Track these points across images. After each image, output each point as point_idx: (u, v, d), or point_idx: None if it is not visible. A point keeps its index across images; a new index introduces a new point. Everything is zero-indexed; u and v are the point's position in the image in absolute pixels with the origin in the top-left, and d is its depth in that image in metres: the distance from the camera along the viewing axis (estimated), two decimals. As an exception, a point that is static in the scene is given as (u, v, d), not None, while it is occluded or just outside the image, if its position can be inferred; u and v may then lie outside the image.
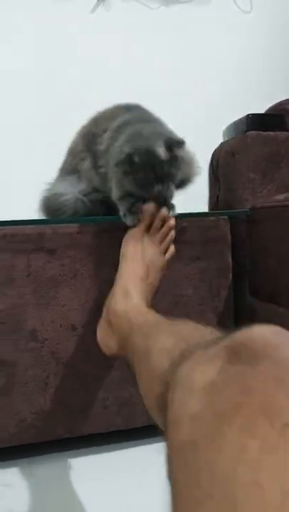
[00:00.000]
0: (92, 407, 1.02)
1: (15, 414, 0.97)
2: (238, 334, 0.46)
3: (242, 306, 1.13)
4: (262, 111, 1.29)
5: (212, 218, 1.08)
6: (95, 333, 0.99)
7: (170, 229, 0.94)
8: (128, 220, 0.91)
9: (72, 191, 1.01)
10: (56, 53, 1.79)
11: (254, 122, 1.16)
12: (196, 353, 0.47)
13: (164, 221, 0.93)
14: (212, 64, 1.90)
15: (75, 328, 0.99)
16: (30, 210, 1.00)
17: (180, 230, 1.02)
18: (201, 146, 1.29)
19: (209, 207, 1.29)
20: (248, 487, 0.34)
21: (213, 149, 1.30)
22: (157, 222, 0.92)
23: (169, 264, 0.94)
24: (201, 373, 0.45)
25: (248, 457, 0.35)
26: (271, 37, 2.04)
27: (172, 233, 0.95)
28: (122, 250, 0.92)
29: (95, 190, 1.02)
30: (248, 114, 1.16)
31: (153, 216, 0.91)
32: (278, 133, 1.16)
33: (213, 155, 1.28)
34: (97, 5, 1.84)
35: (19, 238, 0.94)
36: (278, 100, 1.32)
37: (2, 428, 0.97)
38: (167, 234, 0.94)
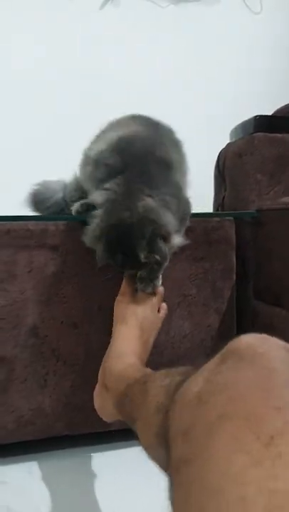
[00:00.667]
0: (91, 405, 1.01)
1: (13, 411, 0.96)
2: (227, 345, 0.46)
3: (245, 307, 1.12)
4: (270, 112, 1.28)
5: (217, 219, 1.07)
6: (96, 331, 0.99)
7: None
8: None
9: None
10: (65, 50, 1.78)
11: (262, 124, 1.15)
12: (192, 375, 0.48)
13: None
14: (220, 64, 1.89)
15: (76, 325, 0.98)
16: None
17: (185, 229, 1.01)
18: (208, 146, 1.28)
19: (214, 208, 1.29)
20: (235, 502, 0.34)
21: (220, 150, 1.29)
22: None
23: (163, 322, 0.95)
24: (191, 388, 0.45)
25: (235, 471, 0.35)
26: (281, 38, 2.03)
27: (162, 289, 0.95)
28: (115, 311, 0.91)
29: None
30: (256, 116, 1.16)
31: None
32: (286, 135, 1.15)
33: (219, 155, 1.27)
34: (106, 2, 1.84)
35: (22, 234, 0.93)
36: (287, 102, 1.31)
37: (0, 425, 0.96)
38: (158, 292, 0.94)
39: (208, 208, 1.38)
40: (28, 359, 0.96)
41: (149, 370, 0.77)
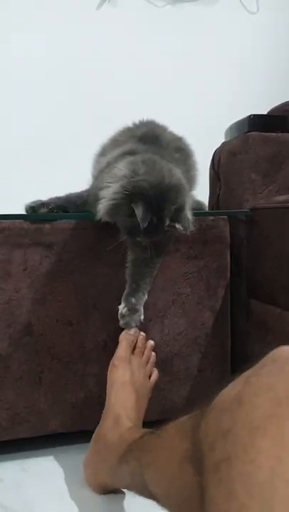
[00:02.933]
0: (86, 403, 1.02)
1: (8, 409, 0.97)
2: (267, 355, 0.47)
3: (239, 306, 1.13)
4: (265, 111, 1.28)
5: (212, 218, 1.08)
6: (91, 329, 1.00)
7: (151, 350, 0.98)
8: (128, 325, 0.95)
9: None
10: (61, 50, 1.79)
11: (256, 123, 1.16)
12: (212, 407, 0.47)
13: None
14: (216, 63, 1.90)
15: (71, 323, 0.99)
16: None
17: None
18: (203, 145, 1.28)
19: (209, 206, 1.29)
20: (284, 500, 0.35)
21: (215, 148, 1.30)
22: (140, 342, 0.96)
23: (153, 388, 0.97)
24: (228, 392, 0.45)
25: (284, 470, 0.36)
26: (277, 38, 2.04)
27: (153, 354, 0.98)
28: (111, 377, 0.92)
29: None
30: (251, 115, 1.16)
31: (135, 337, 0.95)
32: (280, 134, 1.15)
33: (214, 154, 1.28)
34: (102, 2, 1.84)
35: (17, 232, 0.94)
36: (282, 101, 1.31)
37: (-5, 422, 0.97)
38: (150, 356, 0.97)
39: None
40: (23, 357, 0.97)
41: (148, 430, 0.76)
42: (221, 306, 1.09)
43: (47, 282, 0.96)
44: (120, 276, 0.99)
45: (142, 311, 0.96)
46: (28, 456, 1.02)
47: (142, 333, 0.97)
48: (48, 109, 1.76)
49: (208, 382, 1.09)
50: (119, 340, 0.95)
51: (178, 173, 0.92)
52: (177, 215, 0.87)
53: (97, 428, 0.90)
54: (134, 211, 0.83)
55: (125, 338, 0.94)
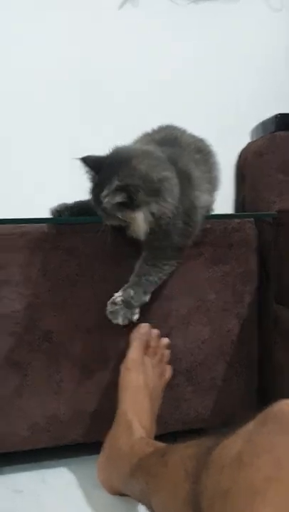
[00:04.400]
0: (107, 412, 0.98)
1: (27, 418, 0.94)
2: (266, 409, 0.46)
3: (267, 312, 1.08)
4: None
5: (237, 220, 1.03)
6: (112, 335, 0.96)
7: (165, 348, 0.95)
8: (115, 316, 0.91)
9: None
10: (82, 50, 1.76)
11: (283, 122, 1.12)
12: (223, 441, 0.47)
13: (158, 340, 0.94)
14: (241, 62, 1.85)
15: (91, 330, 0.95)
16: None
17: (204, 230, 0.98)
18: (228, 146, 1.25)
19: (235, 208, 1.25)
20: None
21: (240, 149, 1.26)
22: (153, 342, 0.93)
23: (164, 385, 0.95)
24: (229, 448, 0.44)
25: None
26: (303, 35, 1.98)
27: (167, 352, 0.95)
28: (123, 380, 0.89)
29: None
30: (277, 114, 1.12)
31: (148, 336, 0.91)
32: (309, 133, 1.11)
33: (240, 155, 1.24)
34: (124, 1, 1.81)
35: (37, 236, 0.91)
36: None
37: (13, 431, 0.94)
38: (163, 354, 0.94)
39: (228, 208, 1.35)
40: (42, 364, 0.94)
41: (161, 444, 0.76)
42: (248, 312, 1.04)
43: (67, 287, 0.93)
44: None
45: (137, 311, 0.91)
46: (47, 467, 0.99)
47: (155, 330, 0.94)
48: (68, 110, 1.74)
49: (233, 392, 1.04)
50: (130, 339, 0.91)
51: (163, 166, 0.88)
52: (131, 200, 0.83)
53: (110, 432, 0.87)
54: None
55: (137, 338, 0.91)
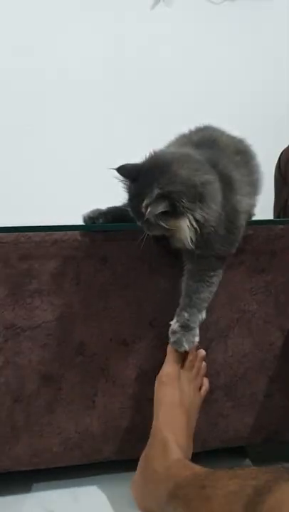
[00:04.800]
0: (142, 429, 0.93)
1: (59, 433, 0.90)
2: None
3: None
4: None
5: (281, 226, 0.97)
6: (147, 349, 0.92)
7: (202, 360, 0.90)
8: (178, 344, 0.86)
9: None
10: (116, 51, 1.74)
11: None
12: (279, 484, 0.45)
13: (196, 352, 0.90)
14: (281, 61, 1.78)
15: (126, 343, 0.91)
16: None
17: (244, 237, 0.92)
18: (269, 146, 1.18)
19: (275, 212, 1.18)
20: None
21: (281, 149, 1.19)
22: (191, 354, 0.88)
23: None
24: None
25: None
26: None
27: (204, 365, 0.90)
28: (158, 395, 0.85)
29: None
30: None
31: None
32: None
33: (281, 156, 1.17)
34: (157, 1, 1.77)
35: (70, 244, 0.87)
36: None
37: (45, 447, 0.90)
38: (200, 367, 0.90)
39: (268, 213, 1.28)
40: (75, 378, 0.90)
41: (199, 469, 0.71)
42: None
43: (100, 297, 0.89)
44: (179, 291, 0.91)
45: (198, 331, 0.87)
46: (80, 484, 0.95)
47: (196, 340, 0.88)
48: (102, 112, 1.72)
49: (276, 408, 0.98)
50: (167, 351, 0.87)
51: (204, 170, 0.82)
52: (174, 209, 0.77)
53: (145, 450, 0.83)
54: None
55: (173, 351, 0.86)
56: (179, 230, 0.79)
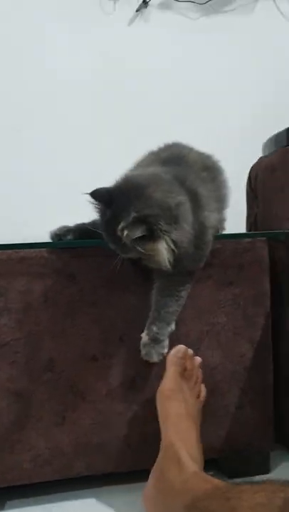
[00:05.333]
0: (113, 444, 0.94)
1: (29, 450, 0.90)
2: None
3: (282, 336, 1.03)
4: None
5: (248, 240, 0.98)
6: (118, 364, 0.92)
7: (199, 367, 0.92)
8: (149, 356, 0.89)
9: None
10: (95, 66, 1.76)
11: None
12: None
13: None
14: (252, 75, 1.81)
15: (95, 358, 0.91)
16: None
17: (212, 251, 0.93)
18: (240, 160, 1.20)
19: (247, 226, 1.20)
20: None
21: (252, 164, 1.21)
22: (190, 364, 0.89)
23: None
24: None
25: None
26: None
27: (200, 372, 0.92)
28: (165, 408, 0.85)
29: None
30: (289, 127, 1.07)
31: (185, 359, 0.88)
32: None
33: (251, 170, 1.19)
34: (134, 17, 1.80)
35: (37, 261, 0.88)
36: None
37: (16, 464, 0.90)
38: (198, 375, 0.91)
39: (242, 227, 1.30)
40: (44, 395, 0.90)
41: (219, 482, 0.70)
42: (261, 336, 0.99)
43: (68, 314, 0.90)
44: (149, 307, 0.92)
45: (167, 342, 0.89)
46: (52, 500, 0.95)
47: (190, 351, 0.90)
48: (86, 130, 1.73)
49: (248, 420, 0.99)
50: (168, 364, 0.87)
51: (176, 191, 0.84)
52: (150, 232, 0.78)
53: (157, 463, 0.82)
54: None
55: (174, 363, 0.87)
56: (157, 252, 0.80)
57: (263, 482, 0.62)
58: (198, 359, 0.92)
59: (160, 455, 0.82)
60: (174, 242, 0.81)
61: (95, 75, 1.74)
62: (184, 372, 0.88)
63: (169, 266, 0.82)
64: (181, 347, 0.89)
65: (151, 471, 0.83)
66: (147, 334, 0.89)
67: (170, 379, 0.86)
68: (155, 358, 0.88)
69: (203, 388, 0.92)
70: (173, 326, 0.90)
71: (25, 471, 0.91)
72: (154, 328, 0.88)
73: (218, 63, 1.81)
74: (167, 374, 0.87)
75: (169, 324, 0.89)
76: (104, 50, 1.75)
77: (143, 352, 0.89)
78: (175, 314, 0.90)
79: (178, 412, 0.84)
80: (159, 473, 0.81)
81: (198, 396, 0.90)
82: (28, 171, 1.66)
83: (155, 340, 0.88)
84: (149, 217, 0.78)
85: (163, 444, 0.83)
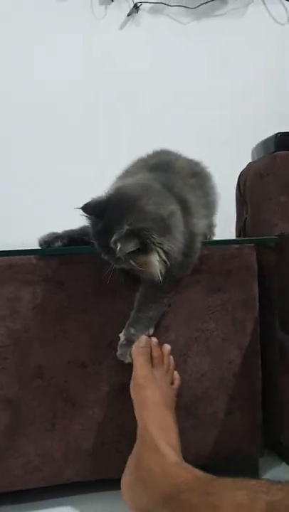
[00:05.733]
0: (103, 450, 0.94)
1: (19, 456, 0.91)
2: None
3: (270, 342, 1.03)
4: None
5: (236, 246, 0.99)
6: (107, 370, 0.93)
7: (169, 355, 0.92)
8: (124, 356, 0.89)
9: None
10: (87, 71, 1.76)
11: (284, 141, 1.07)
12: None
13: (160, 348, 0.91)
14: (242, 80, 1.82)
15: (84, 365, 0.92)
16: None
17: (201, 258, 0.94)
18: (229, 166, 1.21)
19: (236, 232, 1.20)
20: None
21: (241, 169, 1.21)
22: (156, 352, 0.90)
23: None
24: None
25: None
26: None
27: (172, 359, 0.92)
28: (138, 398, 0.86)
29: None
30: (278, 133, 1.07)
31: (149, 348, 0.89)
32: (311, 152, 1.06)
33: (240, 176, 1.20)
34: (126, 21, 1.81)
35: (25, 268, 0.88)
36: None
37: (6, 470, 0.90)
38: (169, 362, 0.91)
39: (232, 233, 1.30)
40: (34, 401, 0.90)
41: (199, 473, 0.71)
42: (250, 342, 0.99)
43: (57, 321, 0.90)
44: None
45: None
46: (43, 507, 0.95)
47: (154, 340, 0.91)
48: (72, 135, 1.73)
49: (236, 427, 0.99)
50: (134, 356, 0.88)
51: (168, 201, 0.84)
52: (144, 246, 0.78)
53: (135, 452, 0.83)
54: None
55: (140, 353, 0.88)
56: (150, 265, 0.81)
57: (246, 480, 0.61)
58: (166, 346, 0.92)
59: (137, 443, 0.83)
60: (165, 253, 0.81)
61: (87, 78, 1.75)
62: (151, 361, 0.89)
63: (160, 277, 0.82)
64: (142, 337, 0.89)
65: (129, 458, 0.84)
66: (124, 335, 0.90)
67: (140, 367, 0.87)
68: (129, 359, 0.89)
69: (176, 376, 0.92)
70: (151, 331, 0.91)
71: (16, 477, 0.91)
72: (132, 330, 0.89)
73: (208, 68, 1.82)
74: (136, 363, 0.87)
75: (147, 328, 0.90)
76: (96, 55, 1.76)
77: (119, 352, 0.90)
78: (154, 320, 0.91)
79: (153, 400, 0.84)
80: (137, 461, 0.81)
81: (172, 383, 0.91)
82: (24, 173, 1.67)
83: (131, 342, 0.89)
84: (142, 230, 0.78)
85: (139, 431, 0.83)
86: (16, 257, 0.89)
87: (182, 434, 0.96)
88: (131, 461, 0.83)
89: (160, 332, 0.94)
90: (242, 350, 0.99)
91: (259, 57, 1.87)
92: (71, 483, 0.95)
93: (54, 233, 0.92)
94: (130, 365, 0.91)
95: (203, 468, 1.01)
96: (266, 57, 1.88)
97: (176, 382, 0.92)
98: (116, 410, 0.94)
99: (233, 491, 0.58)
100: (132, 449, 0.94)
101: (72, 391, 0.92)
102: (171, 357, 0.92)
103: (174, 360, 0.94)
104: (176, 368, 0.94)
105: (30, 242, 0.93)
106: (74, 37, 1.76)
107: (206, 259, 0.96)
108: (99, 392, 0.93)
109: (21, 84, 1.72)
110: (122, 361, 0.91)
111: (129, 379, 0.93)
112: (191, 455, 0.97)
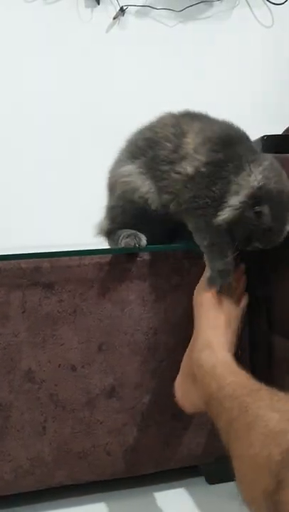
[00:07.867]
0: (94, 453, 0.94)
1: (10, 461, 0.91)
2: None
3: (259, 341, 1.04)
4: (279, 132, 1.21)
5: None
6: (96, 373, 0.93)
7: (243, 273, 0.92)
8: (217, 282, 0.86)
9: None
10: (74, 74, 1.76)
11: (271, 144, 1.08)
12: None
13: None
14: (228, 83, 1.83)
15: (74, 368, 0.92)
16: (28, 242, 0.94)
17: (188, 258, 0.95)
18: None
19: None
20: None
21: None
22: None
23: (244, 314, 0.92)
24: None
25: None
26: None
27: (244, 278, 0.92)
28: (198, 298, 0.87)
29: None
30: (264, 135, 1.09)
31: None
32: (298, 154, 1.07)
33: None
34: (112, 24, 1.81)
35: (14, 273, 0.88)
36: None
37: (-4, 475, 0.90)
38: (240, 280, 0.91)
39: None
40: (24, 405, 0.90)
41: (243, 376, 0.72)
42: (238, 341, 1.00)
43: (47, 325, 0.90)
44: (128, 315, 0.93)
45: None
46: (35, 510, 0.95)
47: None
48: (58, 138, 1.73)
49: (227, 426, 1.00)
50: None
51: None
52: None
53: (188, 351, 0.87)
54: (256, 216, 0.82)
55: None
56: None
57: (280, 394, 0.62)
58: (241, 265, 0.92)
59: (191, 342, 0.86)
60: None
61: (73, 81, 1.75)
62: None
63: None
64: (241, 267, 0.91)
65: (183, 359, 0.88)
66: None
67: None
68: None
69: (245, 296, 0.92)
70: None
71: (7, 482, 0.91)
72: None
73: (195, 70, 1.83)
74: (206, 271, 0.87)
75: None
76: (82, 58, 1.76)
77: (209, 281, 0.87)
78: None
79: (210, 300, 0.85)
80: (191, 357, 0.83)
81: (240, 303, 0.91)
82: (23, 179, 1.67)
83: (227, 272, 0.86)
84: None
85: (195, 332, 0.85)
86: (4, 262, 0.88)
87: (173, 435, 0.97)
88: (183, 361, 0.87)
89: (151, 335, 0.94)
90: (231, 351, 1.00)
91: (245, 59, 1.89)
92: (63, 486, 0.95)
93: (134, 232, 0.93)
94: (121, 368, 0.92)
95: (195, 468, 1.03)
96: (252, 59, 1.89)
97: (243, 302, 0.91)
98: (106, 413, 0.94)
99: (269, 412, 0.58)
100: (123, 451, 0.95)
101: (62, 394, 0.92)
102: (244, 277, 0.93)
103: (166, 361, 0.95)
104: (167, 368, 0.95)
105: (31, 246, 0.93)
106: (59, 40, 1.76)
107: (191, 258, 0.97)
108: (89, 395, 0.93)
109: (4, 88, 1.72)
110: (112, 364, 0.92)
111: (120, 382, 0.94)
112: (182, 456, 0.99)
